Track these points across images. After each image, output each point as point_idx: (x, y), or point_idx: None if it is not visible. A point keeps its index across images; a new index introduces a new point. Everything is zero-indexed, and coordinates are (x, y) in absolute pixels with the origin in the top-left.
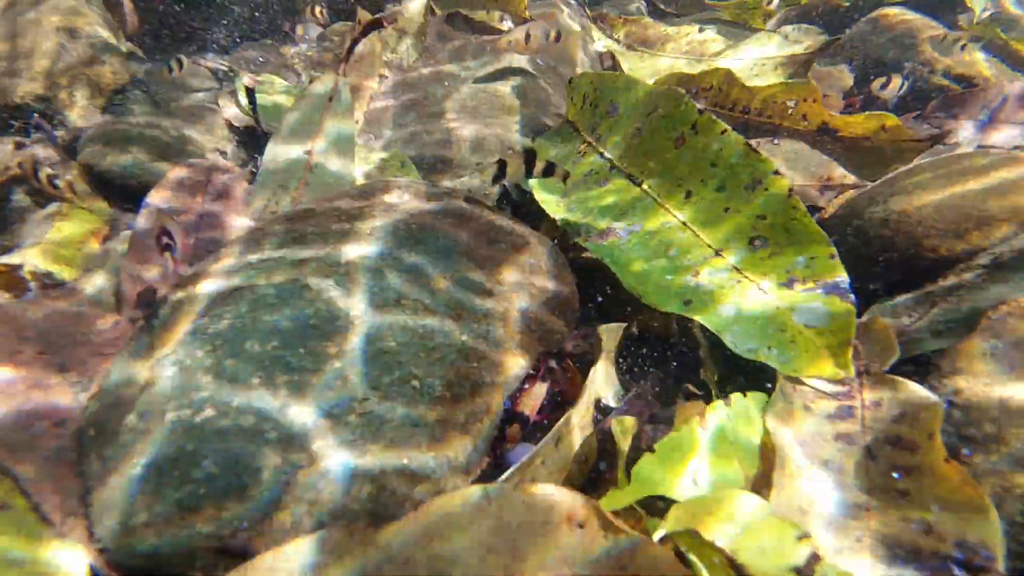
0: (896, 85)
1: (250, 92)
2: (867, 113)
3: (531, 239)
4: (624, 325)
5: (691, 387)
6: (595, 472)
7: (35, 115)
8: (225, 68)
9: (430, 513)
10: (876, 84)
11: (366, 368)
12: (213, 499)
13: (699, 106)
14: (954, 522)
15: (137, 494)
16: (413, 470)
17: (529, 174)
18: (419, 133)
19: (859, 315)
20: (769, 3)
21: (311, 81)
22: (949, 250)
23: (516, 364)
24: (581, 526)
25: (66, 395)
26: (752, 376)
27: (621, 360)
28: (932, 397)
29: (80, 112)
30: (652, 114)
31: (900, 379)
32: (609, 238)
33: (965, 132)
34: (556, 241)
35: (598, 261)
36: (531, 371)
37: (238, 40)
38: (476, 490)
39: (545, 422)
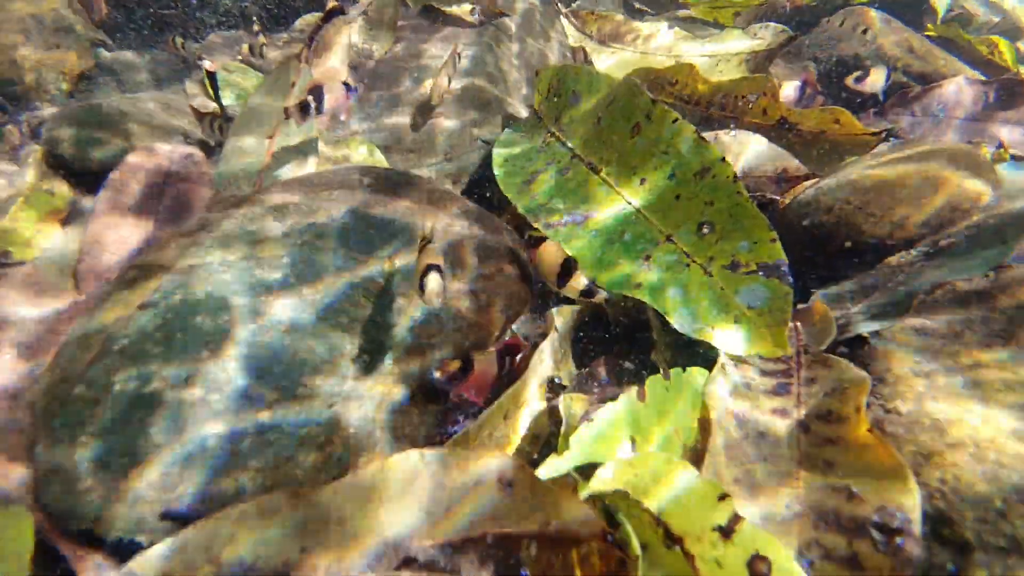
0: (877, 79)
1: (212, 76)
2: (822, 108)
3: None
4: (578, 308)
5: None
6: (547, 448)
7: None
8: (193, 55)
9: (367, 475)
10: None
11: None
12: (157, 466)
13: (652, 96)
14: (875, 488)
15: (84, 460)
16: None
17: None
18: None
19: (805, 300)
20: None
21: (276, 67)
22: (889, 237)
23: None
24: (510, 486)
25: (21, 373)
26: (704, 357)
27: (578, 341)
28: (861, 373)
29: (45, 96)
30: (611, 104)
31: (834, 357)
32: (567, 224)
33: (920, 127)
34: (518, 227)
35: None
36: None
37: (211, 27)
38: (413, 453)
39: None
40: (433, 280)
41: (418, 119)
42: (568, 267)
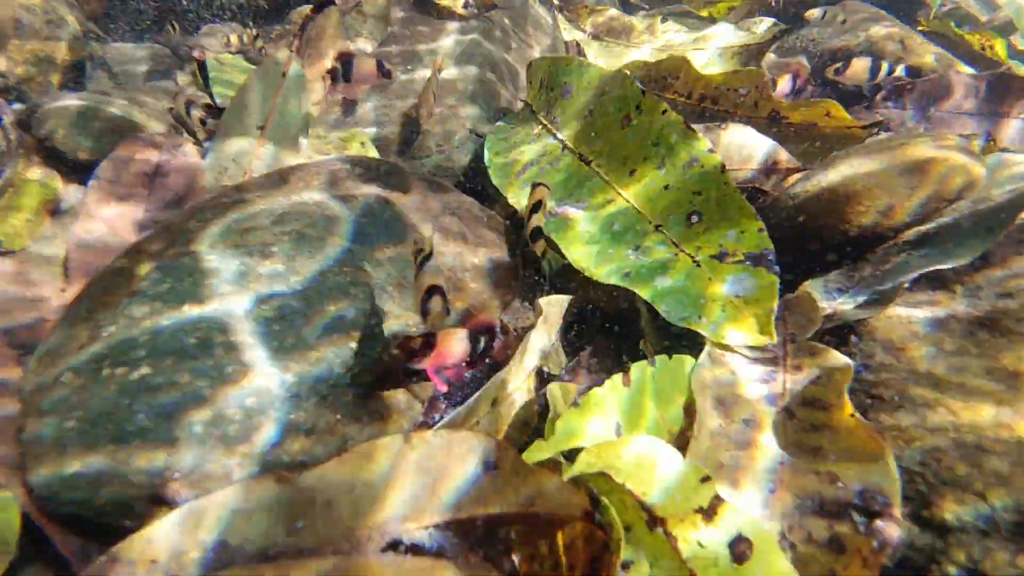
0: (860, 70)
1: (203, 67)
2: (813, 100)
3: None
4: (568, 297)
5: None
6: (535, 436)
7: None
8: (187, 47)
9: (353, 457)
10: (831, 69)
11: None
12: (146, 451)
13: (642, 88)
14: (857, 471)
15: (72, 445)
16: None
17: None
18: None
19: (793, 290)
20: None
21: (266, 57)
22: (877, 227)
23: None
24: (495, 467)
25: (10, 361)
26: (692, 345)
27: (567, 330)
28: (845, 360)
29: (36, 87)
30: (602, 96)
31: (820, 345)
32: (558, 215)
33: (912, 120)
34: (509, 219)
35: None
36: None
37: (205, 20)
38: (398, 437)
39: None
40: (437, 303)
41: (410, 135)
42: (536, 207)
